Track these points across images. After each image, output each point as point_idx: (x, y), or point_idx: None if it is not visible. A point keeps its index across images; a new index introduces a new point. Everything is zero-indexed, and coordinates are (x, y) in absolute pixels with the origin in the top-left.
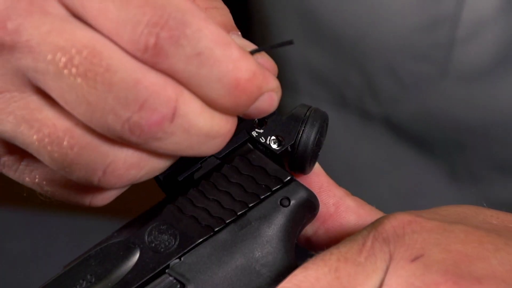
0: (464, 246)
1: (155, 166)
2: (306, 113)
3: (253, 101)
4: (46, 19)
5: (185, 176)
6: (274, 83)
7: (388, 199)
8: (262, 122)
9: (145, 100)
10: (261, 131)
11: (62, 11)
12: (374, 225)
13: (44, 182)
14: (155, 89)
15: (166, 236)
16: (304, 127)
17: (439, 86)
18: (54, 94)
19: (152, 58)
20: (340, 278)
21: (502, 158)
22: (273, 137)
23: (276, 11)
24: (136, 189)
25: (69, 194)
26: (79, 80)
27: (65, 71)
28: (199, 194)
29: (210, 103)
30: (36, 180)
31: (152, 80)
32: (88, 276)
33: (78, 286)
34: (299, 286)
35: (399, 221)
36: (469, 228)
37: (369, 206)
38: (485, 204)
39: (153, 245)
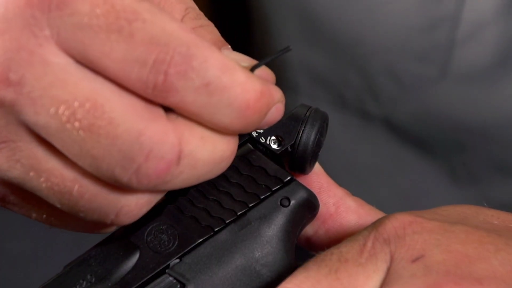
0: (465, 247)
1: (164, 193)
2: (306, 113)
3: (264, 118)
4: (47, 69)
5: None
6: (279, 95)
7: (388, 199)
8: None
9: (150, 151)
10: (261, 131)
11: (63, 59)
12: (374, 225)
13: (53, 219)
14: (159, 138)
15: (166, 236)
16: (304, 127)
17: (439, 87)
18: (58, 146)
19: (161, 94)
20: (340, 278)
21: (502, 158)
22: (273, 137)
23: (276, 12)
24: None
25: (79, 228)
26: (82, 133)
27: (68, 125)
28: (199, 194)
29: (223, 129)
30: (44, 216)
31: (154, 129)
32: (88, 276)
33: (78, 286)
34: (300, 286)
35: (399, 221)
36: (469, 228)
37: (369, 206)
38: (485, 204)
39: (153, 245)
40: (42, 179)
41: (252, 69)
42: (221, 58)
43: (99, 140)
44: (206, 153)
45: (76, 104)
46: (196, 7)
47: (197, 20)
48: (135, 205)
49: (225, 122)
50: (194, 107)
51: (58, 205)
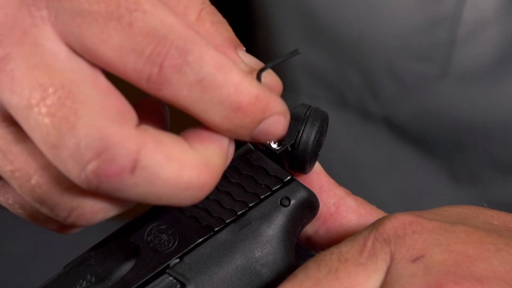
0: (465, 247)
1: (126, 207)
2: (306, 112)
3: (257, 124)
4: (36, 51)
5: None
6: (279, 107)
7: (388, 198)
8: None
9: (105, 150)
10: None
11: (54, 44)
12: (374, 225)
13: (17, 206)
14: (117, 140)
15: (166, 236)
16: (304, 126)
17: (440, 86)
18: (24, 128)
19: (155, 86)
20: (340, 278)
21: (502, 158)
22: None
23: (277, 11)
24: None
25: (39, 221)
26: (46, 120)
27: (36, 109)
28: None
29: (213, 127)
30: (10, 201)
31: (116, 131)
32: (88, 276)
33: (78, 286)
34: (300, 286)
35: (400, 221)
36: (470, 228)
37: (370, 205)
38: (485, 205)
39: (153, 245)
40: (6, 162)
41: (260, 72)
42: (217, 56)
43: (60, 128)
44: (168, 174)
45: (50, 90)
46: (211, 4)
47: (214, 16)
48: (89, 209)
49: (215, 120)
50: (186, 101)
51: (18, 191)
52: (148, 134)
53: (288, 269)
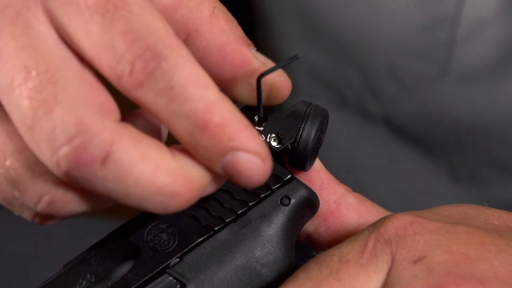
0: (466, 247)
1: (99, 205)
2: (306, 110)
3: (223, 152)
4: (26, 33)
5: None
6: (255, 146)
7: (387, 198)
8: (262, 119)
9: (78, 137)
10: (261, 128)
11: (44, 28)
12: (375, 225)
13: None
14: (92, 129)
15: (166, 236)
16: (305, 124)
17: (440, 86)
18: (5, 108)
19: (126, 86)
20: (341, 279)
21: (502, 158)
22: (273, 135)
23: (277, 11)
24: None
25: (14, 207)
26: (26, 102)
27: (17, 90)
28: None
29: (182, 142)
30: None
31: (93, 120)
32: (88, 276)
33: (78, 286)
34: (301, 287)
35: (400, 222)
36: (470, 229)
37: (371, 202)
38: (486, 204)
39: (152, 244)
40: None
41: (260, 77)
42: (195, 71)
43: (38, 111)
44: (140, 173)
45: (33, 72)
46: (222, 5)
47: (227, 14)
48: (60, 198)
49: (181, 134)
50: (154, 108)
51: None
52: (126, 130)
53: (288, 269)
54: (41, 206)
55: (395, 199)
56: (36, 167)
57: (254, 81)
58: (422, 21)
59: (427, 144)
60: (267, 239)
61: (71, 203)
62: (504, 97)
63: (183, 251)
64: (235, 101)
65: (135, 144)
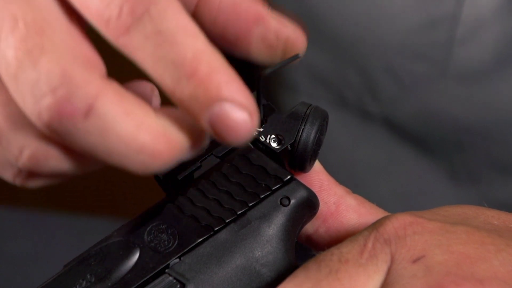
0: (466, 247)
1: (82, 167)
2: (306, 111)
3: (210, 102)
4: None
5: (185, 175)
6: (243, 99)
7: (387, 198)
8: (262, 120)
9: (62, 88)
10: (261, 129)
11: None
12: (375, 225)
13: None
14: (77, 82)
15: (166, 236)
16: (304, 125)
17: (439, 86)
18: None
19: (114, 32)
20: (341, 279)
21: (501, 157)
22: (273, 136)
23: (276, 11)
24: (136, 189)
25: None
26: (11, 52)
27: (3, 40)
28: (199, 193)
29: (167, 91)
30: None
31: (79, 73)
32: (88, 276)
33: (78, 286)
34: (300, 287)
35: (400, 222)
36: (470, 229)
37: (370, 204)
38: (485, 204)
39: (153, 244)
40: None
41: (260, 75)
42: (185, 18)
43: (23, 61)
44: (122, 129)
45: (21, 23)
46: None
47: None
48: (42, 152)
49: (166, 81)
50: (140, 54)
51: None
52: (111, 85)
53: (288, 269)
54: (23, 161)
55: (394, 199)
56: (19, 120)
57: (270, 37)
58: (421, 21)
59: (426, 144)
60: (267, 239)
61: (52, 158)
62: (504, 97)
63: (183, 251)
64: (251, 61)
65: (120, 100)
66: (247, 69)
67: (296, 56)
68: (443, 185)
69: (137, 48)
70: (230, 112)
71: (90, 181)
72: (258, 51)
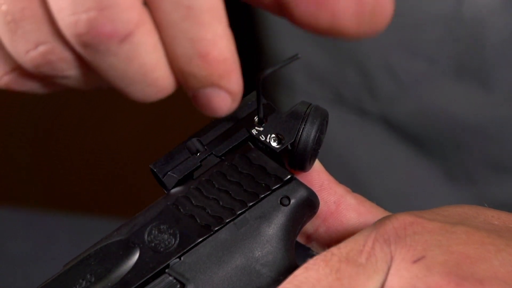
0: (466, 247)
1: (86, 79)
2: (306, 110)
3: (206, 84)
4: None
5: (184, 175)
6: (236, 86)
7: (384, 197)
8: (262, 120)
9: (109, 7)
10: (261, 129)
11: None
12: (375, 225)
13: None
14: (124, 5)
15: (166, 236)
16: (304, 125)
17: (437, 85)
18: None
19: None
20: (341, 279)
21: (498, 157)
22: (273, 135)
23: None
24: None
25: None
26: None
27: None
28: (199, 193)
29: (174, 60)
30: None
31: None
32: (88, 276)
33: (78, 286)
34: (300, 287)
35: (400, 222)
36: (470, 229)
37: (370, 203)
38: (485, 204)
39: (153, 244)
40: None
41: (260, 75)
42: (217, 3)
43: None
44: (148, 60)
45: None
46: None
47: None
48: (58, 52)
49: (178, 53)
50: (165, 18)
51: None
52: (149, 17)
53: (288, 269)
54: (33, 55)
55: (390, 198)
56: (45, 15)
57: None
58: (420, 19)
59: (424, 143)
60: (267, 239)
61: (63, 62)
62: (501, 97)
63: (183, 251)
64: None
65: (153, 32)
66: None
67: (296, 56)
68: (440, 184)
69: (164, 13)
70: (218, 97)
71: (90, 181)
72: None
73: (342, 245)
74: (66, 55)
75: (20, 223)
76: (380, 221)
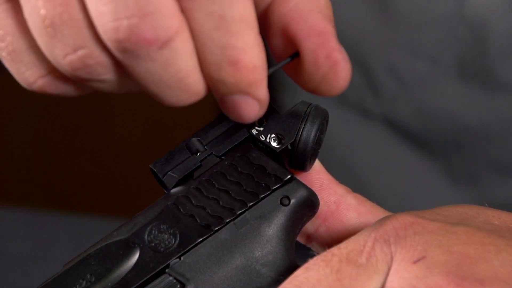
0: (466, 248)
1: (119, 83)
2: (306, 110)
3: (236, 91)
4: None
5: (184, 175)
6: (264, 94)
7: (385, 197)
8: (262, 120)
9: (151, 14)
10: (261, 129)
11: None
12: (375, 226)
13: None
14: (165, 10)
15: (166, 236)
16: (305, 125)
17: (439, 85)
18: None
19: None
20: (341, 279)
21: (500, 158)
22: (273, 135)
23: None
24: (135, 189)
25: (27, 56)
26: None
27: None
28: (199, 192)
29: (203, 67)
30: None
31: (168, 2)
32: (88, 276)
33: (78, 286)
34: (300, 287)
35: (400, 222)
36: (471, 229)
37: (370, 203)
38: (486, 204)
39: (153, 244)
40: None
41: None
42: (249, 9)
43: None
44: (184, 67)
45: None
46: None
47: None
48: (96, 56)
49: (208, 60)
50: (197, 26)
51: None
52: (186, 24)
53: (288, 269)
54: (72, 58)
55: (392, 198)
56: (85, 20)
57: (321, 54)
58: (422, 20)
59: (425, 144)
60: (267, 239)
61: (101, 66)
62: (504, 97)
63: (183, 251)
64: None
65: (190, 40)
66: None
67: (296, 55)
68: (442, 184)
69: (197, 19)
70: (246, 103)
71: (90, 181)
72: (304, 61)
73: (342, 245)
74: (104, 59)
75: (20, 223)
76: (381, 221)
